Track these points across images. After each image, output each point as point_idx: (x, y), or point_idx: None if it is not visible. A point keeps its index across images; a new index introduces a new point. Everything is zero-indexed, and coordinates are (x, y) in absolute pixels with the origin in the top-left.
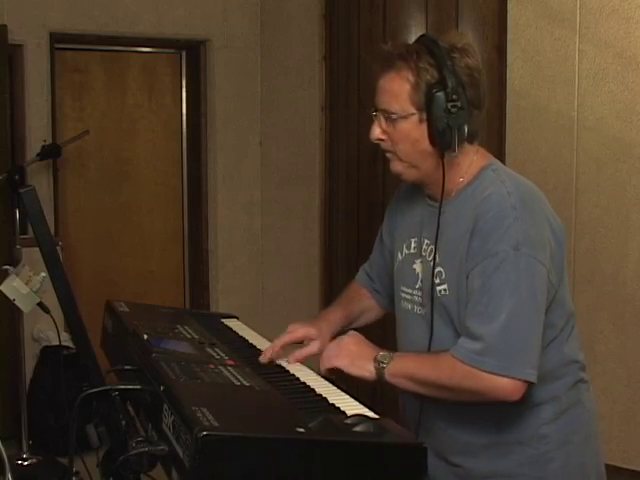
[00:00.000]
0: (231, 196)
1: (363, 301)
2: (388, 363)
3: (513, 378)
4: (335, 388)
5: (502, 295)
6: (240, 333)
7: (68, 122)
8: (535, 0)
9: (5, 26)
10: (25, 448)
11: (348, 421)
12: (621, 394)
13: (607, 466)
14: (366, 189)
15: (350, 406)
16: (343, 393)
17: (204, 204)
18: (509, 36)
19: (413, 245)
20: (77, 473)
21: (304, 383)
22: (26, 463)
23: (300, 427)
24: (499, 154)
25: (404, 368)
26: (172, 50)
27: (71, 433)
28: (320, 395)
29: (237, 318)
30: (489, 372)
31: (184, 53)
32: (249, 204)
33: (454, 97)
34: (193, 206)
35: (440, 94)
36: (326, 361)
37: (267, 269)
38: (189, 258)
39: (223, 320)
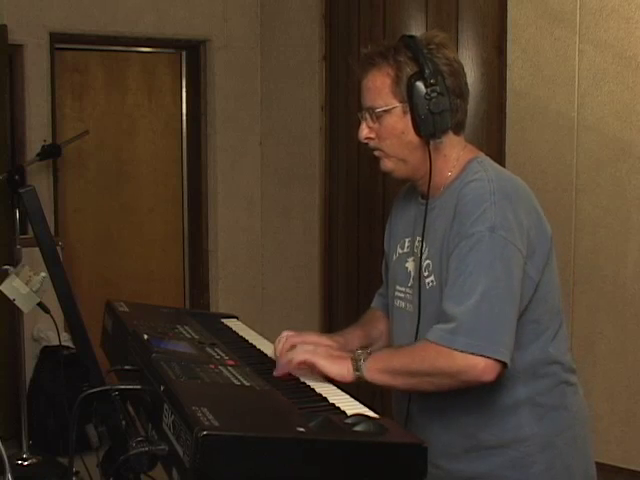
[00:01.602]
0: (231, 196)
1: (381, 323)
2: (365, 360)
3: (485, 357)
4: (335, 388)
5: (476, 275)
6: (240, 333)
7: (68, 122)
8: (535, 0)
9: (5, 26)
10: (25, 448)
11: (348, 421)
12: (621, 394)
13: (607, 466)
14: (366, 189)
15: (350, 406)
16: (343, 393)
17: (204, 204)
18: (509, 36)
19: (407, 244)
20: (77, 473)
21: (304, 383)
22: (26, 463)
23: (300, 427)
24: (499, 154)
25: (380, 361)
26: (172, 50)
27: (71, 433)
28: (320, 395)
29: (237, 318)
30: (461, 351)
31: (184, 53)
32: (249, 204)
33: (432, 82)
34: (193, 206)
35: (419, 82)
36: (301, 356)
37: (267, 269)
38: (189, 258)
39: (223, 320)
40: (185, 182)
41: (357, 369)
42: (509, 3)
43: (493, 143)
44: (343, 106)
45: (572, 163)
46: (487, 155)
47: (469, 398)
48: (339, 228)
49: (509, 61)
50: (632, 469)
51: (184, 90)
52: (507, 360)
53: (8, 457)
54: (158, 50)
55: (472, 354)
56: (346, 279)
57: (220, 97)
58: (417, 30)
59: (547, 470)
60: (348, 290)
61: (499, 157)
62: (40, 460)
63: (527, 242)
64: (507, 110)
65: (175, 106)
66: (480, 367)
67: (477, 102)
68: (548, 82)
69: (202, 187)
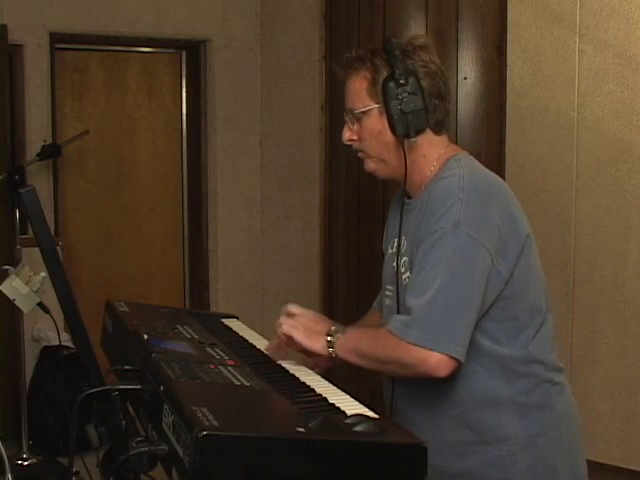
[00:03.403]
0: (231, 196)
1: (378, 324)
2: (339, 338)
3: (436, 352)
4: (335, 388)
5: (435, 270)
6: (240, 333)
7: (68, 122)
8: (535, 0)
9: (5, 26)
10: (25, 448)
11: (348, 421)
12: (621, 394)
13: (607, 466)
14: (366, 189)
15: (350, 406)
16: (343, 393)
17: (204, 204)
18: (509, 36)
19: (395, 244)
20: (77, 473)
21: (304, 383)
22: (26, 463)
23: (300, 427)
24: (499, 154)
25: (350, 341)
26: (172, 50)
27: (71, 433)
28: (320, 395)
29: (237, 318)
30: (414, 344)
31: (184, 53)
32: (249, 204)
33: (402, 82)
34: (193, 206)
35: (392, 83)
36: (284, 328)
37: (267, 269)
38: (189, 258)
39: (223, 320)
40: (185, 182)
41: (331, 345)
42: (509, 3)
43: (493, 143)
44: (343, 106)
45: (572, 163)
46: (487, 155)
47: (454, 393)
48: (339, 228)
49: (509, 61)
50: (632, 469)
51: (184, 90)
52: (459, 356)
53: (8, 457)
54: (158, 50)
55: (424, 348)
56: (346, 279)
57: (220, 97)
58: (417, 30)
59: (529, 469)
60: (348, 290)
61: (499, 157)
62: (40, 460)
63: (497, 239)
64: (507, 110)
65: (175, 106)
66: (432, 362)
67: (477, 102)
68: (548, 82)
69: (202, 187)
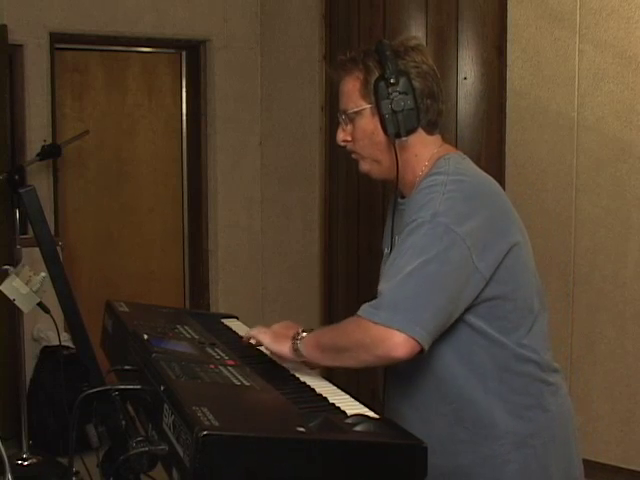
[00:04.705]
0: (231, 196)
1: None
2: (303, 337)
3: (399, 332)
4: (335, 388)
5: (409, 256)
6: (240, 333)
7: (68, 122)
8: (535, 0)
9: (5, 26)
10: (25, 448)
11: (348, 421)
12: (621, 394)
13: (607, 466)
14: (366, 189)
15: (350, 406)
16: (343, 393)
17: (204, 204)
18: (509, 36)
19: (389, 245)
20: (77, 473)
21: (304, 383)
22: (26, 463)
23: (300, 427)
24: (499, 154)
25: (314, 337)
26: (172, 50)
27: (71, 433)
28: (320, 395)
29: (237, 318)
30: (378, 324)
31: (184, 53)
32: (249, 204)
33: (392, 82)
34: (193, 206)
35: (382, 83)
36: (252, 333)
37: (267, 269)
38: (189, 258)
39: (223, 320)
40: (185, 182)
41: (296, 347)
42: (509, 3)
43: (493, 143)
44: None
45: (572, 163)
46: (487, 155)
47: (446, 390)
48: (339, 228)
49: (509, 61)
50: (632, 469)
51: (184, 90)
52: (419, 337)
53: (8, 457)
54: (158, 50)
55: (387, 327)
56: (346, 279)
57: (220, 97)
58: (417, 30)
59: (522, 469)
60: (348, 290)
61: (499, 157)
62: (40, 460)
63: (477, 236)
64: (507, 110)
65: (175, 106)
66: (391, 341)
67: (477, 102)
68: (548, 82)
69: (202, 187)
